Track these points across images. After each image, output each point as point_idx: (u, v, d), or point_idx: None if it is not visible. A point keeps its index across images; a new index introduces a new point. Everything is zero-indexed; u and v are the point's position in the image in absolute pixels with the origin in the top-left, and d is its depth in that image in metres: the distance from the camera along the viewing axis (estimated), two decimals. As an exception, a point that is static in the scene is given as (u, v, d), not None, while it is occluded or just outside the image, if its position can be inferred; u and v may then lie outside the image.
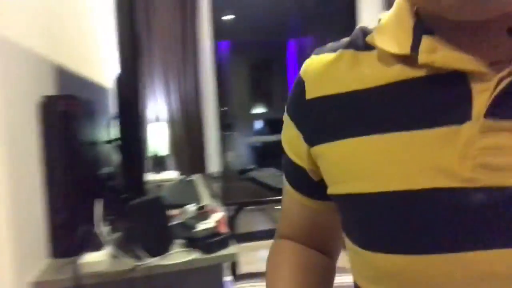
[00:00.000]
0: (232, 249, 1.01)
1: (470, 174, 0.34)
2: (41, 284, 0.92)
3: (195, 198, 1.65)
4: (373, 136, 0.39)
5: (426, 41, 0.38)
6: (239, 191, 1.93)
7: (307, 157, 0.48)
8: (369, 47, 0.43)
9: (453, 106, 0.35)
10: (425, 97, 0.37)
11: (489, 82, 0.34)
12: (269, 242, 0.63)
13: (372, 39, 0.42)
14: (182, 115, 2.97)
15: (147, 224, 1.00)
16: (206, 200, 1.64)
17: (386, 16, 0.44)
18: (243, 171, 2.34)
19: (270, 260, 0.55)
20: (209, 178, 2.46)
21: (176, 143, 2.80)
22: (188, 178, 2.20)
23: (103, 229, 1.04)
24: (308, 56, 0.52)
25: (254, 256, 2.31)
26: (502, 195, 0.32)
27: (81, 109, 1.13)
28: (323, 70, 0.46)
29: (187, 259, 0.96)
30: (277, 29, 5.16)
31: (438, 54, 0.36)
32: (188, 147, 2.86)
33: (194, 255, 0.98)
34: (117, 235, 1.08)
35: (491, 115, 0.33)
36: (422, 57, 0.37)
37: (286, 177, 0.54)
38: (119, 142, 1.17)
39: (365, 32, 0.45)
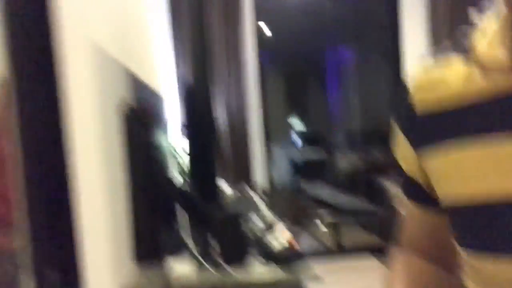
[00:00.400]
0: (310, 265, 0.96)
1: None
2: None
3: (256, 212, 1.61)
4: (481, 137, 0.41)
5: None
6: (295, 206, 1.88)
7: (418, 168, 0.50)
8: (473, 54, 0.44)
9: None
10: None
11: None
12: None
13: (476, 47, 0.44)
14: (228, 127, 2.97)
15: (229, 237, 0.98)
16: (268, 214, 1.60)
17: (490, 21, 0.44)
18: (293, 186, 2.28)
19: (389, 270, 0.58)
20: (260, 191, 2.42)
21: (221, 154, 2.79)
22: (242, 191, 2.17)
23: (185, 237, 1.01)
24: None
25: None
26: None
27: (156, 120, 1.12)
28: (428, 80, 0.48)
29: (269, 275, 0.92)
30: (314, 39, 5.11)
31: None
32: (234, 158, 2.84)
33: (276, 269, 0.94)
34: (199, 244, 1.05)
35: None
36: None
37: (402, 188, 0.56)
38: (192, 150, 1.15)
39: (467, 38, 0.46)
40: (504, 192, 0.39)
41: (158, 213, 1.06)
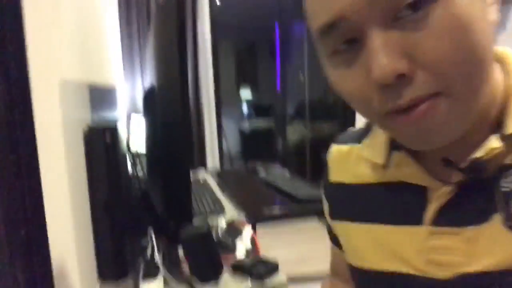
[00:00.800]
0: (282, 277, 1.06)
1: (423, 266, 0.46)
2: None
3: (215, 204, 1.68)
4: (362, 224, 0.54)
5: (394, 157, 0.50)
6: (255, 196, 1.97)
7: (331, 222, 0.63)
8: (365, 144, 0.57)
9: (416, 209, 0.47)
10: (397, 198, 0.50)
11: (439, 194, 0.45)
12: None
13: (362, 147, 0.56)
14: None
15: (200, 255, 1.04)
16: (228, 208, 1.68)
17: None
18: (248, 169, 2.37)
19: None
20: (214, 174, 2.47)
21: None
22: (196, 175, 2.22)
23: (155, 255, 1.06)
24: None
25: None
26: (444, 284, 0.44)
27: (120, 140, 1.13)
28: (338, 159, 0.60)
29: (241, 286, 1.00)
30: (264, 12, 5.08)
31: (402, 170, 0.49)
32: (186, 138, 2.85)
33: (247, 284, 1.02)
34: (168, 261, 1.11)
35: (435, 223, 0.45)
36: (390, 171, 0.50)
37: (328, 232, 0.69)
38: (163, 157, 1.18)
39: (369, 131, 0.57)
40: (375, 263, 0.51)
41: (124, 230, 1.11)
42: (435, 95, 0.38)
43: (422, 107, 0.38)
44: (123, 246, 1.09)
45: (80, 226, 0.97)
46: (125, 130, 1.43)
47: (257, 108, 5.76)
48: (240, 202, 1.77)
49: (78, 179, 0.98)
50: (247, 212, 1.68)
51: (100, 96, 1.37)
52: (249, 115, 5.77)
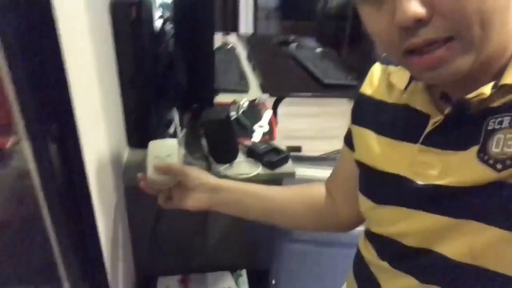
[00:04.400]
0: (290, 166, 1.15)
1: (412, 174, 0.57)
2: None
3: (241, 79, 1.70)
4: (373, 133, 0.65)
5: (411, 86, 0.60)
6: (282, 74, 1.94)
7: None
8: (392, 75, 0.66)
9: (417, 131, 0.57)
10: (406, 119, 0.60)
11: (433, 121, 0.55)
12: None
13: (394, 70, 0.64)
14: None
15: (217, 139, 1.12)
16: (253, 85, 1.70)
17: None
18: (282, 43, 2.29)
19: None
20: (245, 40, 2.41)
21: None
22: (227, 42, 2.18)
23: (178, 131, 1.15)
24: None
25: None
26: (422, 189, 0.56)
27: (148, 14, 1.11)
28: (374, 76, 0.69)
29: (253, 173, 1.11)
30: None
31: (413, 97, 0.59)
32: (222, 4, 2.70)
33: (258, 169, 1.12)
34: (190, 138, 1.21)
35: (425, 143, 0.56)
36: (406, 96, 0.60)
37: (344, 138, 0.78)
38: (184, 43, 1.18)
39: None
40: (380, 164, 0.63)
41: (150, 103, 1.18)
42: (448, 39, 0.45)
43: (437, 52, 0.46)
44: (149, 117, 1.18)
45: (110, 99, 1.03)
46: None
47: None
48: (266, 78, 1.78)
49: (106, 55, 1.00)
50: (271, 91, 1.70)
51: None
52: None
